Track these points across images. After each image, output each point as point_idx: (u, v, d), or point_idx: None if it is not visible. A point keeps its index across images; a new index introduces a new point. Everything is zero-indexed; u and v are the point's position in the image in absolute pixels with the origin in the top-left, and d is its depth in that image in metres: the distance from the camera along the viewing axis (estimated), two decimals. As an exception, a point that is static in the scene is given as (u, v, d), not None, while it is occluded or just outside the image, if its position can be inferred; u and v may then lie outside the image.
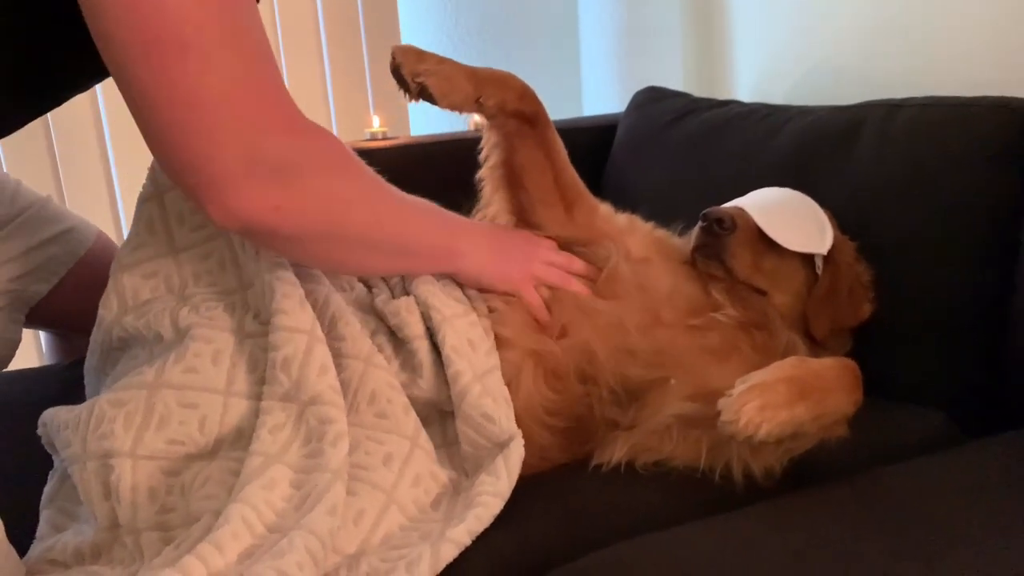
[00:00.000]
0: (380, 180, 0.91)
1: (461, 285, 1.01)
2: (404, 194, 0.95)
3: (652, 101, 1.64)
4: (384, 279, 1.01)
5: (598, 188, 1.61)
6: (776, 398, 0.79)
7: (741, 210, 1.05)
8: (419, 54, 0.94)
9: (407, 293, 0.97)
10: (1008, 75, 1.20)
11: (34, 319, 1.24)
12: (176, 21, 0.71)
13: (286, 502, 0.78)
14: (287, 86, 0.81)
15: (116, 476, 0.80)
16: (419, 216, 0.95)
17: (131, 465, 0.80)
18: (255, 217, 0.78)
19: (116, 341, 0.92)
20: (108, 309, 0.93)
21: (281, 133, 0.78)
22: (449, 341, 0.91)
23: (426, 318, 0.94)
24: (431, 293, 0.95)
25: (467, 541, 0.79)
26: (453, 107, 0.96)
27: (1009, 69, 1.21)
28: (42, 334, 1.46)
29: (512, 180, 1.08)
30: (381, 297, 0.98)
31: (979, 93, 1.13)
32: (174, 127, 0.75)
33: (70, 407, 0.87)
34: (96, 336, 0.95)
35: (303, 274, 0.92)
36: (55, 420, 0.87)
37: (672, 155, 1.50)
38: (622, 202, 1.17)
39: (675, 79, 1.86)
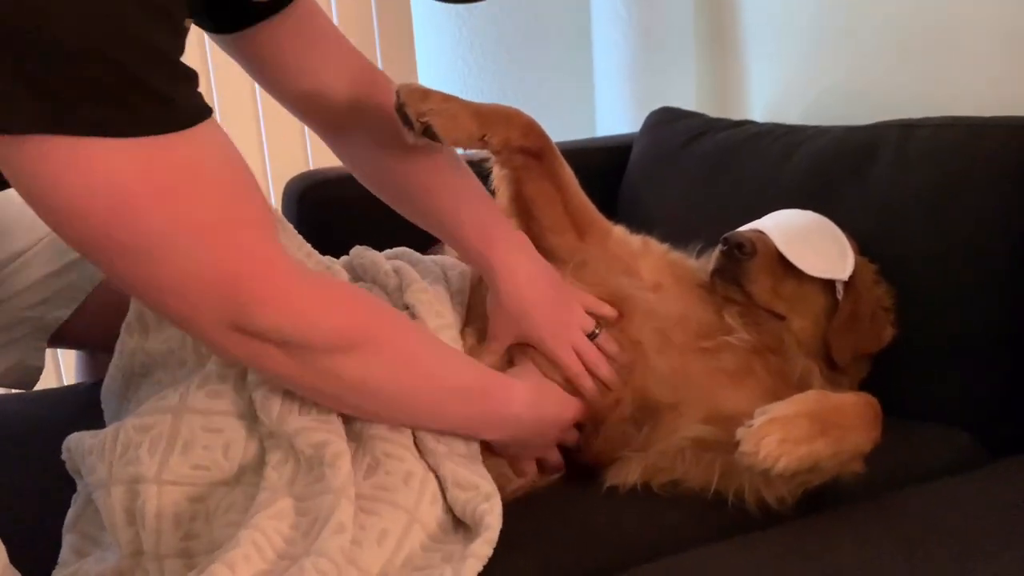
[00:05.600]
0: (415, 352, 0.85)
1: (451, 296, 1.01)
2: (444, 359, 0.88)
3: (667, 121, 1.64)
4: (383, 288, 1.02)
5: (613, 209, 1.61)
6: (797, 432, 0.79)
7: (761, 234, 1.05)
8: (424, 93, 0.92)
9: (406, 305, 0.98)
10: (1025, 95, 1.20)
11: (58, 340, 1.24)
12: (108, 228, 0.65)
13: (294, 529, 0.78)
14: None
15: (141, 502, 0.80)
16: (447, 405, 0.88)
17: (156, 491, 0.80)
18: (247, 362, 0.76)
19: (139, 367, 0.93)
20: (130, 334, 0.93)
21: (266, 310, 0.72)
22: None
23: None
24: (420, 302, 0.97)
25: (489, 551, 0.80)
26: (457, 145, 0.94)
27: (1026, 89, 1.21)
28: (72, 352, 1.47)
29: (523, 210, 1.08)
30: None
31: (996, 113, 1.13)
32: (147, 302, 0.72)
33: (94, 432, 0.87)
34: (118, 362, 0.95)
35: None
36: (80, 445, 0.87)
37: (688, 176, 1.50)
38: (638, 223, 1.17)
39: (688, 99, 1.86)
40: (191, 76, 0.69)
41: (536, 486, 0.96)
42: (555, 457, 0.98)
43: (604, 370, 0.98)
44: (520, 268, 0.97)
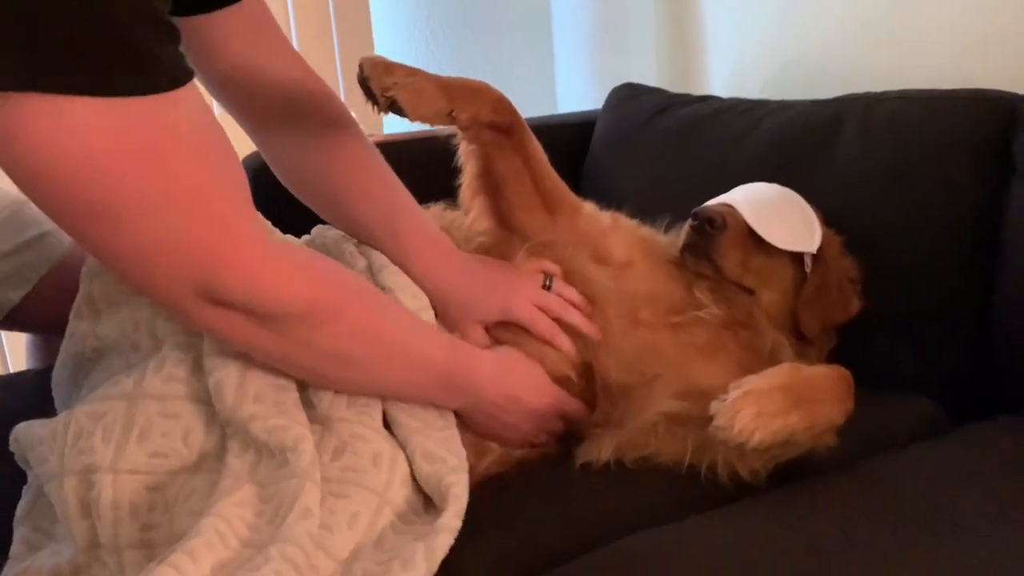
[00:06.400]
0: (384, 321, 0.86)
1: None
2: (412, 329, 0.89)
3: (630, 98, 1.63)
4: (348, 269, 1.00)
5: (577, 186, 1.59)
6: (771, 406, 0.79)
7: (731, 208, 1.04)
8: (388, 66, 0.89)
9: (382, 288, 0.96)
10: (987, 67, 1.21)
11: (10, 323, 1.20)
12: (77, 189, 0.64)
13: (258, 517, 0.76)
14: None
15: (96, 492, 0.77)
16: (413, 372, 0.88)
17: (112, 480, 0.77)
18: (216, 333, 0.77)
19: (90, 352, 0.89)
20: (80, 318, 0.89)
21: (236, 279, 0.71)
22: None
23: None
24: (397, 285, 0.95)
25: (458, 523, 0.78)
26: (424, 120, 0.91)
27: (988, 61, 1.22)
28: (23, 336, 1.42)
29: (490, 187, 1.06)
30: None
31: (957, 85, 1.14)
32: (116, 270, 0.72)
33: (44, 421, 0.83)
34: (68, 346, 0.91)
35: None
36: (29, 435, 0.83)
37: (652, 152, 1.49)
38: (603, 200, 1.16)
39: (649, 74, 1.85)
40: (175, 36, 0.68)
41: (525, 459, 0.96)
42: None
43: (573, 315, 0.98)
44: (434, 267, 0.97)
